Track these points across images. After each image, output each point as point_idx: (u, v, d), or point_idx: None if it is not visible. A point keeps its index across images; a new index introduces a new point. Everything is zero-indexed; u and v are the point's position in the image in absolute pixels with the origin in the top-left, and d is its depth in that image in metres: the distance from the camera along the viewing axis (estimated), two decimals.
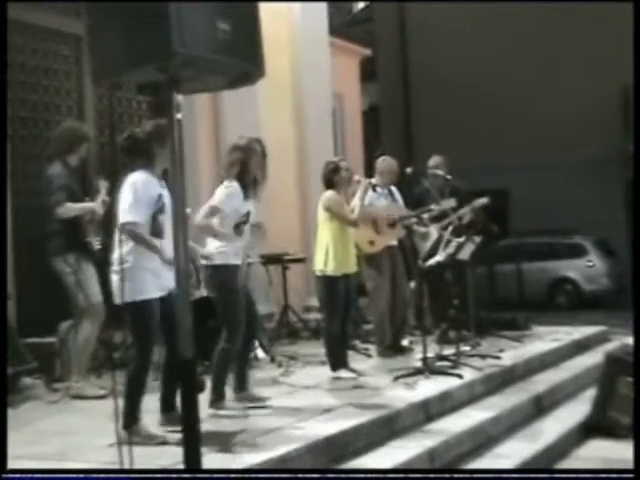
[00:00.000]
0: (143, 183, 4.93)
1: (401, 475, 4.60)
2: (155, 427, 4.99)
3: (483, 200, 8.63)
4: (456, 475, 4.69)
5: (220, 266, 5.64)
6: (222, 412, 5.56)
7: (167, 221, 4.77)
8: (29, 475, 3.86)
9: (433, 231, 7.69)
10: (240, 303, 5.64)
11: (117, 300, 4.90)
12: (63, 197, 6.22)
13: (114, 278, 4.94)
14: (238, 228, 5.70)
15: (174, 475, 3.72)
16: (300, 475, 4.23)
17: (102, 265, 6.22)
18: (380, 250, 7.81)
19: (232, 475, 3.94)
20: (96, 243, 6.32)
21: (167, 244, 4.68)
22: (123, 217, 4.88)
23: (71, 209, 6.25)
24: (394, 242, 7.99)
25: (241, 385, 5.87)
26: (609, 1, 17.55)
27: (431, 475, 4.69)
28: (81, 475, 3.87)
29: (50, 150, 6.59)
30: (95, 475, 3.89)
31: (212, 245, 5.71)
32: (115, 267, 4.93)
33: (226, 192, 5.69)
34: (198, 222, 5.57)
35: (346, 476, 4.35)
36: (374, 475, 4.52)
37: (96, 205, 6.33)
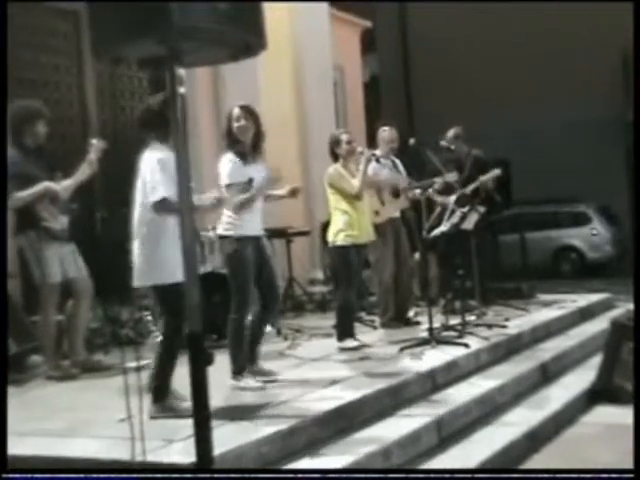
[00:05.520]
0: (166, 158, 4.79)
1: (402, 475, 4.62)
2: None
3: (496, 171, 8.77)
4: (457, 475, 4.70)
5: (230, 237, 5.60)
6: (241, 384, 5.53)
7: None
8: (29, 475, 3.87)
9: (451, 200, 7.67)
10: (249, 274, 5.59)
11: (142, 282, 4.89)
12: (13, 187, 6.05)
13: (139, 260, 4.87)
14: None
15: (175, 475, 3.74)
16: (300, 475, 4.24)
17: (79, 241, 6.33)
18: (384, 221, 7.82)
19: (232, 475, 3.96)
20: (60, 223, 6.24)
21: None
22: (153, 195, 4.79)
23: (19, 199, 6.10)
24: (397, 214, 8.00)
25: (251, 358, 5.81)
26: (609, 1, 17.39)
27: (432, 475, 4.70)
28: (81, 475, 3.89)
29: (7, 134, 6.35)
30: (96, 475, 3.90)
31: (224, 216, 5.67)
32: (140, 249, 4.87)
33: (223, 165, 5.64)
34: (233, 203, 5.53)
35: (347, 476, 4.37)
36: (375, 475, 4.53)
37: (49, 184, 6.18)
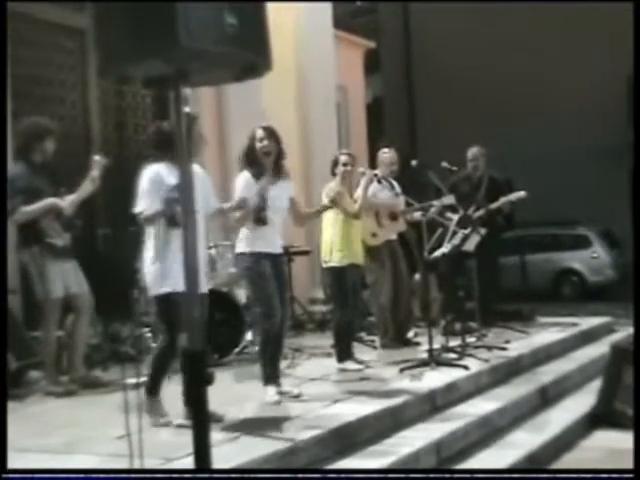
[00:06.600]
0: (156, 173, 4.98)
1: (402, 475, 4.60)
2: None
3: (521, 193, 8.81)
4: (457, 475, 4.68)
5: (244, 253, 5.70)
6: (266, 398, 5.59)
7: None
8: (29, 475, 3.86)
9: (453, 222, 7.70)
10: (269, 286, 5.64)
11: (151, 292, 5.07)
12: (20, 202, 6.09)
13: (145, 270, 5.07)
14: (259, 215, 5.69)
15: (175, 475, 3.73)
16: (300, 475, 4.23)
17: (82, 257, 6.38)
18: (380, 244, 7.82)
19: (232, 475, 3.94)
20: (63, 239, 6.27)
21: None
22: (135, 207, 5.01)
23: (25, 213, 6.12)
24: (393, 236, 8.00)
25: (274, 375, 5.83)
26: (609, 1, 17.48)
27: (432, 475, 4.68)
28: (81, 475, 3.87)
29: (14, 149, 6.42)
30: (95, 475, 3.89)
31: (241, 233, 5.77)
32: (146, 261, 5.06)
33: (237, 182, 5.76)
34: (235, 220, 5.71)
35: (346, 476, 4.35)
36: (375, 475, 4.52)
37: (55, 200, 6.22)
